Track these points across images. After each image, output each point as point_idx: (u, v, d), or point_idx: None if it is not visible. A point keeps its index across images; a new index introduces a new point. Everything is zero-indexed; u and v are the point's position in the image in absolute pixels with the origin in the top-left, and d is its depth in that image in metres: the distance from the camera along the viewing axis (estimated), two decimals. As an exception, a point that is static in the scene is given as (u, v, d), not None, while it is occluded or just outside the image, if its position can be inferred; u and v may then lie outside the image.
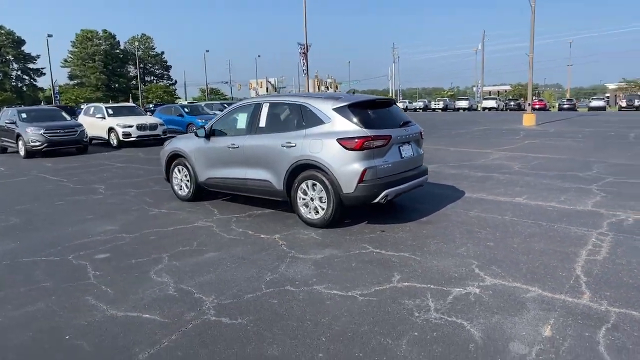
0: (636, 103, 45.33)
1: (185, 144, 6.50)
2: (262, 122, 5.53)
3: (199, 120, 19.31)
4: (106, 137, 16.80)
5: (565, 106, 46.61)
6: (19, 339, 2.80)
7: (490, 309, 3.00)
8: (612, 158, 9.81)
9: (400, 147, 5.07)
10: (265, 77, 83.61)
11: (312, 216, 5.07)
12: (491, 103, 52.76)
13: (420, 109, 56.85)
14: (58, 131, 13.65)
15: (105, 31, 75.84)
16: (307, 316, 2.97)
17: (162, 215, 5.87)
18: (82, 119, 17.58)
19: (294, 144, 5.07)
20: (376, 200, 4.80)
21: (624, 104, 45.45)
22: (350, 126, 4.81)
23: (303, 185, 5.08)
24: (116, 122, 16.54)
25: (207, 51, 69.23)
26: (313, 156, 4.89)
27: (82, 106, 28.56)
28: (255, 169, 5.52)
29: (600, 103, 45.70)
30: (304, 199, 5.12)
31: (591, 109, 45.29)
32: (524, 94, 71.67)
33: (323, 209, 4.95)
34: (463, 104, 55.02)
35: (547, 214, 5.37)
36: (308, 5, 31.75)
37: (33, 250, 4.55)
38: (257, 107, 5.66)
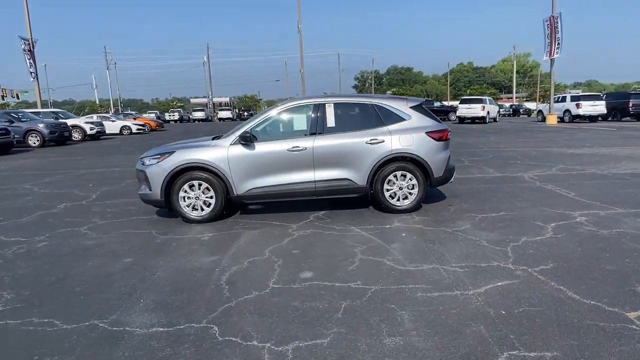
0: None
1: (206, 153, 5.66)
2: (331, 122, 5.78)
3: None
4: None
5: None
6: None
7: (613, 223, 5.09)
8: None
9: (443, 138, 6.58)
10: None
11: (401, 203, 5.86)
12: (227, 114, 57.06)
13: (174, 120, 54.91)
14: None
15: None
16: (580, 250, 4.25)
17: (228, 238, 5.11)
18: None
19: (381, 140, 5.72)
20: (451, 180, 6.16)
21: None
22: (428, 121, 5.94)
23: (391, 177, 5.80)
24: None
25: None
26: (405, 149, 5.73)
27: None
28: (330, 170, 5.72)
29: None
30: (388, 190, 5.84)
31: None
32: (251, 105, 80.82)
33: (412, 194, 5.86)
34: (199, 115, 57.08)
35: (510, 180, 8.07)
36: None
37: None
38: (319, 108, 5.82)
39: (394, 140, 5.74)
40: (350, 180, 5.76)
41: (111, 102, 63.84)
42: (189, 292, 3.62)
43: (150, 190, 5.74)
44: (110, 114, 31.70)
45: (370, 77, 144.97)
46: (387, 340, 2.77)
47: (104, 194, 8.05)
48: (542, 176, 8.35)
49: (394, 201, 5.86)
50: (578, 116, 26.07)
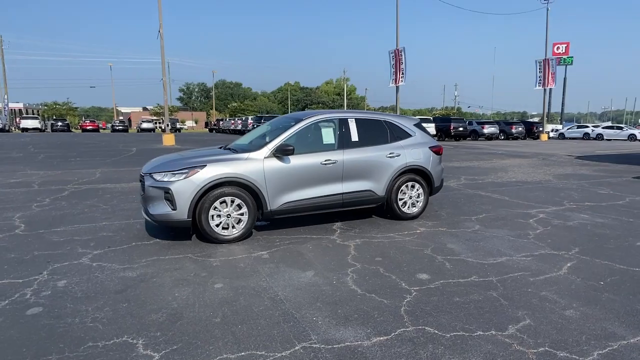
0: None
1: (243, 166, 5.44)
2: (354, 137, 6.22)
3: None
4: None
5: (118, 127, 50.91)
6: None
7: (566, 218, 6.89)
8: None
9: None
10: None
11: (410, 211, 6.66)
12: (34, 123, 48.41)
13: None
14: None
15: None
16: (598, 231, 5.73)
17: (290, 254, 5.08)
18: None
19: (397, 154, 6.44)
20: (441, 189, 7.25)
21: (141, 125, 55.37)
22: (428, 138, 6.93)
23: (403, 188, 6.56)
24: None
25: None
26: (416, 162, 6.58)
27: None
28: (355, 182, 6.16)
29: (150, 125, 53.58)
30: (401, 199, 6.59)
31: (142, 130, 52.33)
32: (64, 114, 69.50)
33: (418, 202, 6.73)
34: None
35: (445, 189, 9.56)
36: None
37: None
38: (343, 123, 6.21)
39: (407, 154, 6.54)
40: (372, 191, 6.30)
41: None
42: (348, 304, 3.69)
43: (175, 209, 5.20)
44: None
45: (195, 89, 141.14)
46: (568, 313, 3.53)
47: (33, 221, 6.57)
48: (463, 185, 10.27)
49: (405, 209, 6.63)
50: (415, 135, 31.42)
